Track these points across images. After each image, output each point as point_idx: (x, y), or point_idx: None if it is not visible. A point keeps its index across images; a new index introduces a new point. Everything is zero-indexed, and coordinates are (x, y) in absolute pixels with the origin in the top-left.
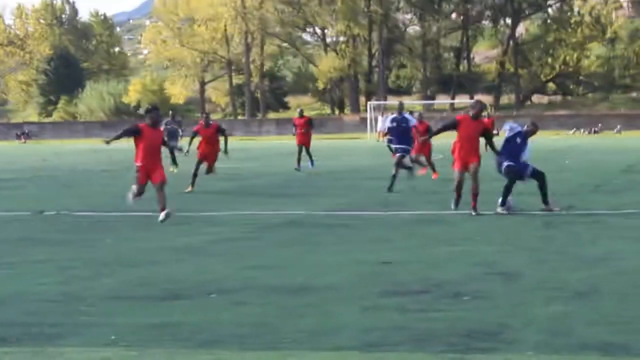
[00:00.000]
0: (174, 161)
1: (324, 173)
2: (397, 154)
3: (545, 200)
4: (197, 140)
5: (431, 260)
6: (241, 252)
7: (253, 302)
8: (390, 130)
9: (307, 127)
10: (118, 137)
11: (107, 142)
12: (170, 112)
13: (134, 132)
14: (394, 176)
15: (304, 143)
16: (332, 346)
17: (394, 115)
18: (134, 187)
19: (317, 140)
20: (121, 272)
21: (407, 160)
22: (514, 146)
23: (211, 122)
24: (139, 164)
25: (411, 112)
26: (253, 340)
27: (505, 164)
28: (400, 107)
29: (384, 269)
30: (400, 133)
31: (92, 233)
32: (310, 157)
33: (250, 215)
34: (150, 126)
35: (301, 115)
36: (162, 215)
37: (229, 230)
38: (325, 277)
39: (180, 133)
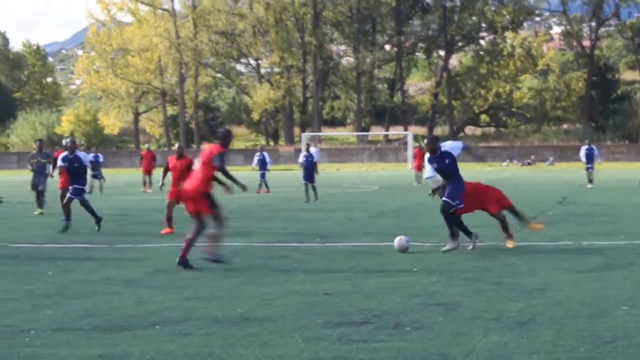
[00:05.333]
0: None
1: (261, 205)
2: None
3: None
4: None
5: (371, 291)
6: (180, 283)
7: (196, 333)
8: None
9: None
10: None
11: None
12: (38, 142)
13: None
14: None
15: None
16: None
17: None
18: None
19: (254, 172)
20: (63, 304)
21: None
22: None
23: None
24: None
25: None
26: None
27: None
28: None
29: (324, 299)
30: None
31: (31, 265)
32: None
33: None
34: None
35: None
36: None
37: (167, 261)
38: (266, 308)
39: (49, 170)
